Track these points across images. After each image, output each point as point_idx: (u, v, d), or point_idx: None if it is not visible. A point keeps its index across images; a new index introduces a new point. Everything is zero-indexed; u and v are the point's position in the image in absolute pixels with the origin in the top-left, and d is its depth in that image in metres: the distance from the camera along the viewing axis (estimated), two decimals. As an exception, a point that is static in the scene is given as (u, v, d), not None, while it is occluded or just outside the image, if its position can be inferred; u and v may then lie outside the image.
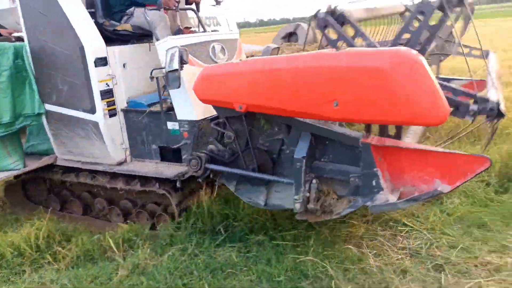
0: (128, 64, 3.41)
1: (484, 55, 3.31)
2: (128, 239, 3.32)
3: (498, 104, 2.38)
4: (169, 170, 3.26)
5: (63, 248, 3.25)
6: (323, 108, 2.21)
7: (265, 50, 3.66)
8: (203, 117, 3.09)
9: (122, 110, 3.37)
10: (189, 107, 3.05)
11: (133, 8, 3.62)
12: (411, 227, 3.16)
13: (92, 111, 3.23)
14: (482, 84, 3.66)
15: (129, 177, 3.47)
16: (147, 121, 3.31)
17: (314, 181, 2.50)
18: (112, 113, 3.30)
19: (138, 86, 3.52)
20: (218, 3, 3.93)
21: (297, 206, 2.49)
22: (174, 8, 3.51)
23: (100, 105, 3.19)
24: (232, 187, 2.96)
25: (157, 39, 3.18)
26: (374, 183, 2.31)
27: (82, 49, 3.10)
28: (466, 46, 3.42)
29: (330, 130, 2.48)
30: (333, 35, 2.92)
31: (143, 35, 3.68)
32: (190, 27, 3.93)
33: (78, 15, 3.14)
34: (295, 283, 2.64)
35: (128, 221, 3.63)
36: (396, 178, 2.36)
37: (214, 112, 3.02)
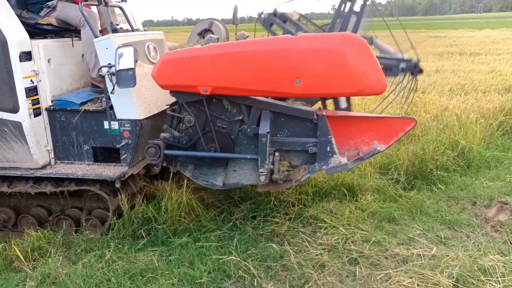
0: (53, 60, 3.14)
1: (369, 42, 3.82)
2: (38, 247, 3.05)
3: (418, 61, 2.84)
4: (109, 170, 3.09)
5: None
6: (287, 86, 2.47)
7: (208, 40, 3.62)
8: (145, 117, 3.02)
9: (46, 109, 3.09)
10: (131, 106, 2.96)
11: (55, 1, 3.37)
12: (329, 223, 3.32)
13: (14, 110, 2.91)
14: None
15: (58, 181, 3.20)
16: (79, 120, 3.10)
17: (276, 154, 2.75)
18: (37, 113, 3.00)
19: (62, 83, 3.27)
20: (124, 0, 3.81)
21: (262, 178, 2.70)
22: (103, 4, 3.31)
23: (24, 103, 2.90)
24: (188, 172, 3.01)
25: (95, 36, 2.99)
26: (328, 148, 2.66)
27: (4, 42, 2.80)
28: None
29: (289, 107, 2.75)
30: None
31: (65, 30, 3.44)
32: (118, 24, 3.77)
33: None
34: (218, 284, 2.63)
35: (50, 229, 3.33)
36: (342, 144, 2.72)
37: (155, 111, 3.08)
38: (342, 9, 2.99)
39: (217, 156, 2.89)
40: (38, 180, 3.20)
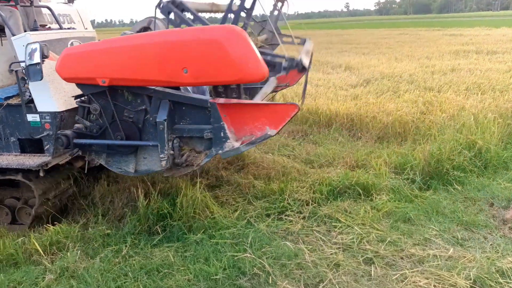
0: None
1: (302, 42, 4.18)
2: (56, 241, 3.12)
3: (301, 60, 3.10)
4: (32, 160, 3.27)
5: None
6: (175, 76, 2.65)
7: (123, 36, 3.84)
8: (64, 109, 3.21)
9: None
10: (49, 99, 3.15)
11: None
12: (344, 222, 3.31)
13: None
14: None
15: None
16: (4, 114, 3.31)
17: (175, 140, 2.93)
18: None
19: None
20: (70, 0, 3.90)
21: (163, 163, 2.88)
22: (28, 4, 3.46)
23: None
24: (102, 160, 3.15)
25: (13, 34, 3.15)
26: (222, 134, 2.81)
27: None
28: (288, 36, 4.23)
29: (183, 96, 2.90)
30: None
31: None
32: (46, 24, 3.88)
33: None
34: (233, 281, 2.65)
35: None
36: (238, 130, 2.88)
37: (74, 105, 3.20)
38: (233, 4, 3.17)
39: (123, 144, 3.03)
40: None
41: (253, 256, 2.84)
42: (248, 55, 2.59)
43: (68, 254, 2.91)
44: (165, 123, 2.80)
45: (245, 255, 2.84)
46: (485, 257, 2.76)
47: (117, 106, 2.95)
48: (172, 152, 2.90)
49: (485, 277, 2.55)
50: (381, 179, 3.91)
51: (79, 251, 2.96)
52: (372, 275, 2.69)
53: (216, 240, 3.05)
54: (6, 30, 3.36)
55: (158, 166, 3.01)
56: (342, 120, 5.81)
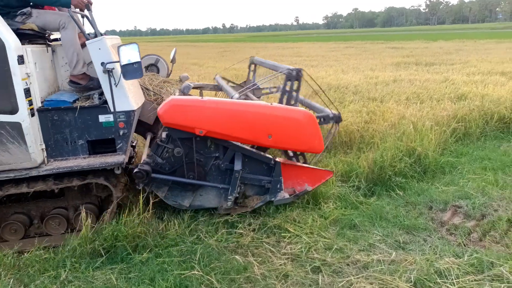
0: (37, 64, 3.28)
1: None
2: (-14, 270, 2.88)
3: (340, 114, 4.09)
4: (110, 159, 3.30)
5: None
6: (261, 138, 3.38)
7: (186, 87, 4.42)
8: (136, 108, 3.36)
9: (37, 110, 3.19)
10: (125, 99, 3.28)
11: (28, 8, 3.45)
12: (293, 232, 3.34)
13: (13, 111, 3.01)
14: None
15: (56, 178, 3.28)
16: (72, 117, 3.28)
17: (242, 186, 3.59)
18: (32, 113, 3.10)
19: (44, 86, 3.42)
20: (88, 9, 3.85)
21: (229, 203, 3.53)
22: (83, 9, 3.52)
23: (24, 104, 3.01)
24: (161, 193, 3.52)
25: (87, 39, 3.27)
26: (278, 186, 3.63)
27: (2, 46, 2.91)
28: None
29: (255, 152, 3.60)
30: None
31: (39, 37, 3.56)
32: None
33: None
34: (180, 300, 2.57)
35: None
36: (285, 183, 3.70)
37: (139, 104, 3.53)
38: (286, 86, 3.83)
39: (197, 183, 3.51)
40: (33, 179, 3.24)
41: (201, 273, 2.78)
42: (316, 135, 3.49)
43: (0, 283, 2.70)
44: (240, 172, 3.44)
45: (193, 272, 2.78)
46: (424, 259, 2.88)
47: (195, 151, 3.46)
48: (237, 195, 3.51)
49: (424, 278, 2.66)
50: (328, 188, 4.00)
51: (11, 280, 2.74)
52: (320, 283, 2.72)
53: (162, 259, 2.96)
54: (64, 33, 3.39)
55: (212, 204, 3.63)
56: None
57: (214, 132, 3.33)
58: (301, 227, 3.41)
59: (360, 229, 3.40)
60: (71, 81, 3.53)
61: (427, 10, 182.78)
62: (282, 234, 3.34)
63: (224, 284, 2.70)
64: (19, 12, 3.41)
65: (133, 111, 3.32)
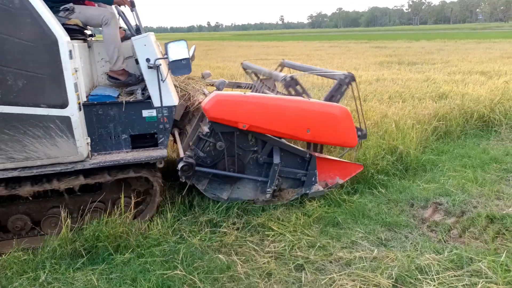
0: (82, 59, 3.37)
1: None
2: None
3: (366, 131, 4.08)
4: (153, 153, 3.39)
5: None
6: (300, 133, 3.56)
7: (221, 83, 4.54)
8: (177, 103, 3.50)
9: (83, 104, 3.25)
10: (169, 94, 3.40)
11: (71, 3, 3.50)
12: (277, 230, 3.34)
13: (63, 105, 3.04)
14: None
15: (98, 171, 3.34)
16: (117, 112, 3.35)
17: (279, 179, 3.77)
18: (79, 107, 3.15)
19: (87, 81, 3.52)
20: (133, 5, 3.92)
21: (268, 195, 3.71)
22: (125, 6, 3.63)
23: (73, 98, 3.06)
24: (201, 185, 3.65)
25: (133, 35, 3.38)
26: (313, 179, 3.83)
27: (55, 41, 2.92)
28: None
29: (292, 146, 3.77)
30: None
31: (79, 32, 3.61)
32: (121, 27, 3.97)
33: (42, 6, 2.93)
34: (162, 300, 2.54)
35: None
36: (319, 176, 3.89)
37: (178, 99, 3.61)
38: (340, 89, 3.95)
39: (238, 176, 3.68)
40: (78, 173, 3.29)
41: (184, 273, 2.75)
42: (351, 130, 3.67)
43: (-24, 286, 2.63)
44: (279, 165, 3.63)
45: (175, 272, 2.75)
46: (405, 255, 2.92)
47: (235, 145, 3.61)
48: (275, 187, 3.69)
49: (405, 275, 2.69)
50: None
51: (-12, 283, 2.68)
52: (303, 281, 2.73)
53: (145, 259, 2.92)
54: (106, 29, 3.49)
55: (249, 196, 3.78)
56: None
57: (256, 127, 3.47)
58: (284, 225, 3.42)
59: (343, 226, 3.43)
60: (110, 77, 3.65)
61: (409, 10, 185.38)
62: (266, 233, 3.34)
63: (207, 284, 2.69)
64: (61, 7, 3.48)
65: (175, 106, 3.44)
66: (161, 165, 3.45)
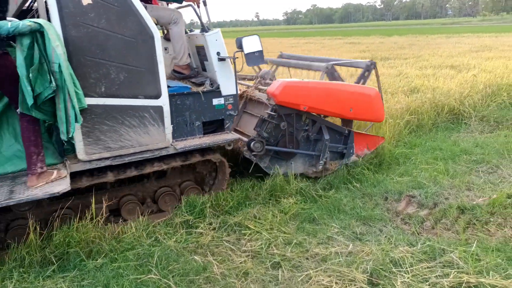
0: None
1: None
2: None
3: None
4: (224, 137, 3.76)
5: None
6: (345, 112, 4.22)
7: (266, 73, 5.13)
8: (239, 92, 3.97)
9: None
10: (232, 83, 3.82)
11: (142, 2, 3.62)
12: (253, 229, 3.32)
13: (157, 96, 3.34)
14: None
15: (181, 155, 3.67)
16: (192, 101, 3.69)
17: (328, 152, 4.25)
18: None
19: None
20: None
21: (320, 167, 4.22)
22: (194, 3, 3.86)
23: (165, 89, 3.37)
24: (263, 163, 4.08)
25: (205, 31, 3.76)
26: (351, 151, 4.43)
27: (152, 37, 3.20)
28: None
29: (335, 125, 4.38)
30: None
31: None
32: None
33: (140, 4, 3.17)
34: (136, 306, 2.48)
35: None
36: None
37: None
38: (365, 74, 4.67)
39: (297, 152, 4.16)
40: (163, 158, 3.59)
41: (159, 276, 2.70)
42: (380, 108, 4.44)
43: None
44: (329, 140, 4.19)
45: (150, 276, 2.69)
46: (380, 249, 2.95)
47: (290, 124, 4.06)
48: (326, 159, 4.20)
49: (380, 268, 2.72)
50: (290, 182, 4.01)
51: (-49, 296, 2.55)
52: (280, 279, 2.72)
53: (118, 264, 2.85)
54: (175, 27, 3.89)
55: (300, 170, 4.27)
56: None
57: (314, 108, 4.03)
58: (261, 224, 3.40)
59: (319, 222, 3.44)
60: (174, 71, 4.00)
61: (382, 6, 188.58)
62: (243, 232, 3.31)
63: (182, 286, 2.64)
64: None
65: (237, 94, 3.87)
66: (230, 147, 3.81)
